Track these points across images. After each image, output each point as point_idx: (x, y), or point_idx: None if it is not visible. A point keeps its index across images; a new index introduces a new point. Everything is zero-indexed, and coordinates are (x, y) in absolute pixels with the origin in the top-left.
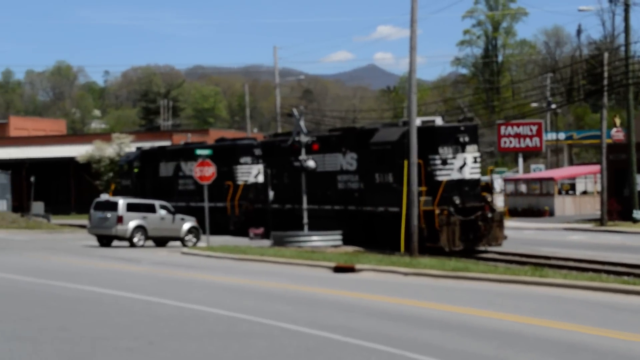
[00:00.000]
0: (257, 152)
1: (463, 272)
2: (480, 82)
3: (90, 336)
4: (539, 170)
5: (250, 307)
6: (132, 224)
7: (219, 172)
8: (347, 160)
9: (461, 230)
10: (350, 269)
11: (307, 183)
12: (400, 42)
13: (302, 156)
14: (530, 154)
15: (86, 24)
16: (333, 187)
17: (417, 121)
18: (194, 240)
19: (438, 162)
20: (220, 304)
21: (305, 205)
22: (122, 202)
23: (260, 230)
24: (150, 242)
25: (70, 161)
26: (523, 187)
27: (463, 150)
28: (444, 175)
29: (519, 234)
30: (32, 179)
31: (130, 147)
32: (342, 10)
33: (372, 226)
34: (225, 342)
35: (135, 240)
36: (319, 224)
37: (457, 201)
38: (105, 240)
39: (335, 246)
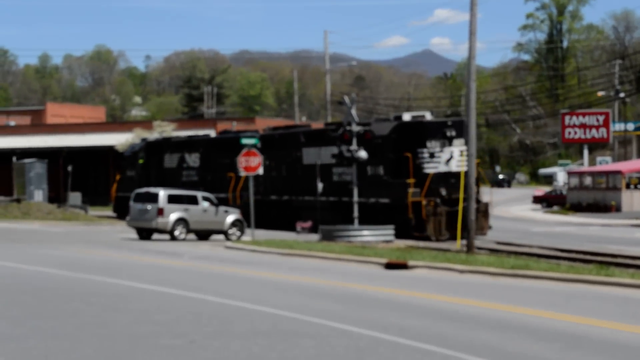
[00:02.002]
0: (259, 145)
1: (523, 270)
2: (543, 69)
3: (130, 333)
4: (605, 163)
5: (297, 304)
6: (173, 217)
7: (221, 164)
8: None
9: (447, 220)
10: (403, 266)
11: (303, 176)
12: (459, 26)
13: (353, 146)
14: (596, 146)
15: (127, 6)
16: (328, 180)
17: (407, 116)
18: (238, 233)
19: (426, 155)
20: (265, 301)
21: (356, 198)
22: (163, 193)
23: (308, 224)
24: (192, 236)
25: (109, 150)
26: (588, 181)
27: (450, 144)
28: (432, 167)
29: (584, 230)
30: (70, 168)
31: (172, 135)
32: None
33: (365, 217)
34: (270, 341)
35: (176, 233)
36: (314, 215)
37: (444, 193)
38: (145, 233)
39: (387, 241)
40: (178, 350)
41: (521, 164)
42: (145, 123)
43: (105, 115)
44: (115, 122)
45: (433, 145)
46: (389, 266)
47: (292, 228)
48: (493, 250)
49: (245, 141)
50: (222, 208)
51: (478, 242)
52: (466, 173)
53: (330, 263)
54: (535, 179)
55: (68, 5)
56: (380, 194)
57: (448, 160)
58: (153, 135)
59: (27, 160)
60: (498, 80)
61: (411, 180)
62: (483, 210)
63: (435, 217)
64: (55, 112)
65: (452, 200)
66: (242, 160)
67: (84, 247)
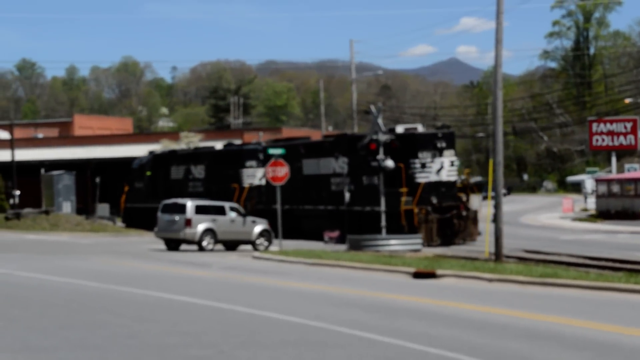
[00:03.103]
0: (261, 156)
1: (552, 279)
2: (570, 77)
3: (158, 344)
4: (633, 170)
5: (325, 314)
6: (201, 227)
7: (226, 175)
8: (339, 164)
9: (438, 227)
10: (431, 275)
11: (303, 186)
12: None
13: (380, 155)
14: (625, 153)
15: (153, 18)
16: (327, 189)
17: (400, 129)
18: (266, 243)
19: (418, 165)
20: (293, 311)
21: (383, 207)
22: (190, 204)
23: (336, 233)
24: (219, 246)
25: None
26: (616, 188)
27: (440, 155)
28: (423, 177)
29: (612, 237)
30: (97, 179)
31: (199, 146)
32: (423, 2)
33: (361, 225)
34: (299, 351)
35: (204, 244)
36: (313, 223)
37: (435, 201)
38: (173, 244)
39: (415, 250)
40: None
41: (549, 172)
42: (172, 134)
43: (133, 126)
44: (142, 134)
45: (424, 156)
46: (417, 275)
47: (293, 235)
48: (521, 259)
49: (272, 151)
50: (249, 218)
51: (505, 250)
52: (493, 181)
53: (358, 273)
54: (563, 186)
55: (95, 18)
56: (376, 203)
57: (439, 170)
58: (180, 146)
59: (55, 172)
60: (525, 88)
61: (404, 190)
62: (472, 218)
63: (426, 224)
64: (82, 124)
65: (443, 208)
66: (269, 171)
67: (112, 258)
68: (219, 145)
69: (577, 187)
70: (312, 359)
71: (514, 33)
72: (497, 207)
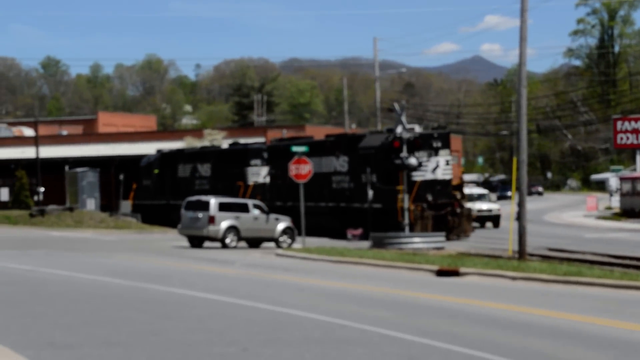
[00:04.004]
0: (266, 155)
1: (576, 277)
2: (595, 75)
3: (182, 341)
4: None
5: (349, 312)
6: (224, 224)
7: (231, 173)
8: (340, 163)
9: (433, 224)
10: (455, 273)
11: (305, 185)
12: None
13: (404, 154)
14: None
15: (178, 15)
16: (328, 187)
17: (398, 129)
18: (289, 241)
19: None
20: (316, 308)
21: (406, 205)
22: (214, 201)
23: (359, 231)
24: (243, 243)
25: None
26: None
27: (436, 154)
28: (419, 176)
29: (637, 236)
30: (121, 177)
31: (223, 143)
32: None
33: (360, 220)
34: (323, 349)
35: (227, 241)
36: (314, 220)
37: (430, 198)
38: (196, 241)
39: (438, 248)
40: (230, 358)
41: (573, 170)
42: (196, 132)
43: (156, 124)
44: (166, 131)
45: (421, 155)
46: (441, 273)
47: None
48: (545, 257)
49: (295, 149)
50: (272, 216)
51: (529, 248)
52: (518, 180)
53: (381, 270)
54: (587, 185)
55: (119, 16)
56: (374, 200)
57: (434, 169)
58: (204, 144)
59: (79, 169)
60: (549, 86)
61: (400, 187)
62: (466, 215)
63: (422, 220)
64: (106, 121)
65: (438, 205)
66: (292, 168)
67: (136, 255)
68: (241, 142)
69: (601, 186)
70: (336, 356)
71: (538, 31)
72: (520, 205)
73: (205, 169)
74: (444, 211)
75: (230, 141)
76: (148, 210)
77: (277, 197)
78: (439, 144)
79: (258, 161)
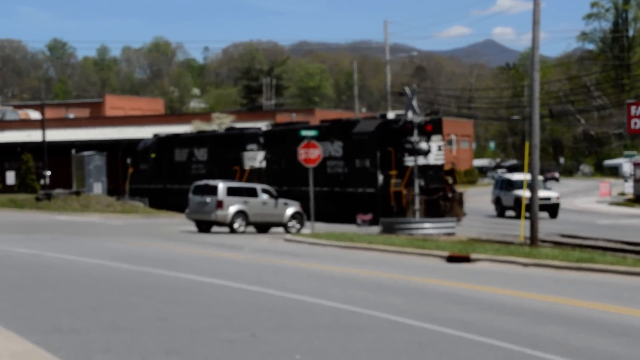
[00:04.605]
0: (262, 140)
1: (588, 264)
2: (608, 59)
3: (190, 327)
4: None
5: (358, 298)
6: (232, 209)
7: (228, 158)
8: (335, 148)
9: (425, 208)
10: (465, 259)
11: (301, 168)
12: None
13: (414, 138)
14: None
15: None
16: (323, 172)
17: (391, 115)
18: (298, 226)
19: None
20: (325, 294)
21: (417, 190)
22: (222, 185)
23: (368, 216)
24: (251, 228)
25: None
26: None
27: (429, 140)
28: (412, 161)
29: None
30: (129, 160)
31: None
32: None
33: (353, 205)
34: (331, 335)
35: (235, 226)
36: (319, 204)
37: (422, 183)
38: (204, 226)
39: (449, 234)
40: (238, 344)
41: (586, 156)
42: (204, 115)
43: (164, 107)
44: (173, 114)
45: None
46: (451, 259)
47: None
48: (557, 243)
49: (305, 133)
50: (281, 200)
51: (540, 235)
52: (530, 165)
53: (391, 256)
54: (600, 170)
55: None
56: (367, 184)
57: (426, 154)
58: (212, 127)
59: (86, 153)
60: (562, 70)
61: (393, 172)
62: (458, 199)
63: (414, 204)
64: (114, 105)
65: (430, 190)
66: (301, 152)
67: (143, 239)
68: (249, 125)
69: (614, 171)
70: (345, 342)
71: (551, 14)
72: (532, 190)
73: (201, 154)
74: (436, 196)
75: (239, 125)
76: (145, 194)
77: (274, 182)
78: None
79: (254, 146)
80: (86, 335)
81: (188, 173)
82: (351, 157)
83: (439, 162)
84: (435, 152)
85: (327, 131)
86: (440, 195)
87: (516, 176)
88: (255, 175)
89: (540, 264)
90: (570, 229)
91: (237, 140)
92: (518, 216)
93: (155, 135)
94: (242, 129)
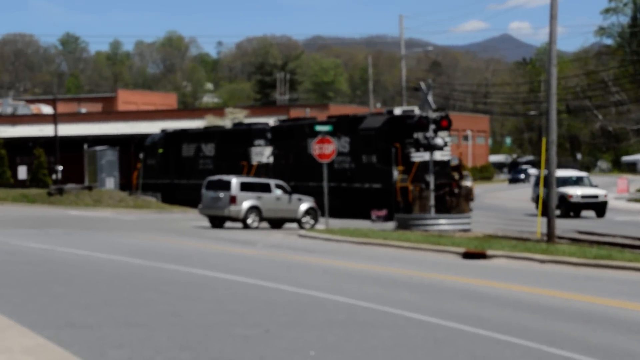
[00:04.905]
0: (269, 135)
1: (606, 260)
2: (626, 54)
3: (204, 323)
4: None
5: (373, 294)
6: (246, 205)
7: (235, 153)
8: (342, 144)
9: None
10: (481, 255)
11: (308, 164)
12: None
13: (429, 133)
14: None
15: None
16: (330, 167)
17: (398, 110)
18: (312, 222)
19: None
20: (340, 290)
21: (432, 186)
22: (235, 181)
23: (383, 212)
24: (264, 224)
25: None
26: None
27: (435, 136)
28: (418, 157)
29: None
30: (141, 155)
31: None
32: None
33: (360, 200)
34: (346, 331)
35: (249, 221)
36: (317, 200)
37: (428, 179)
38: (217, 221)
39: (464, 230)
40: (253, 340)
41: (603, 152)
42: (218, 110)
43: (177, 102)
44: (186, 109)
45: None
46: (467, 255)
47: None
48: (574, 240)
49: (319, 128)
50: (295, 196)
51: (558, 231)
52: (547, 161)
53: (406, 252)
54: (618, 166)
55: None
56: (374, 180)
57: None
58: (225, 122)
59: (98, 148)
60: (579, 65)
61: (400, 168)
62: (464, 195)
63: (420, 200)
64: (126, 99)
65: (436, 186)
66: (315, 148)
67: (156, 235)
68: (262, 120)
69: (632, 167)
70: (360, 339)
71: (568, 8)
72: (549, 187)
73: (209, 149)
74: (442, 191)
75: (253, 120)
76: (152, 189)
77: (281, 177)
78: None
79: (262, 141)
80: (99, 331)
81: (195, 168)
82: (358, 152)
83: (445, 158)
84: None
85: (335, 127)
86: (447, 191)
87: (559, 172)
88: (263, 170)
89: (558, 260)
90: (588, 225)
91: (244, 136)
92: (562, 215)
93: (163, 131)
94: (249, 125)
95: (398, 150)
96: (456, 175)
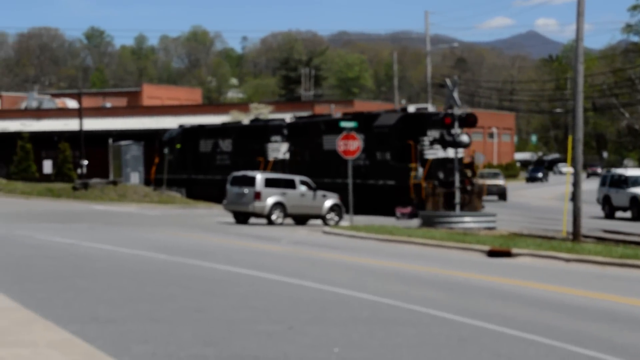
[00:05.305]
0: (286, 131)
1: (632, 260)
2: None
3: (227, 319)
4: None
5: (397, 292)
6: (270, 201)
7: (252, 149)
8: None
9: (445, 200)
10: (506, 254)
11: (323, 160)
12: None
13: (455, 130)
14: None
15: None
16: (344, 164)
17: (412, 108)
18: (336, 218)
19: (427, 143)
20: (364, 287)
21: (457, 184)
22: (260, 177)
23: (408, 209)
24: (289, 220)
25: None
26: None
27: (448, 133)
28: (431, 154)
29: None
30: (166, 150)
31: (269, 118)
32: None
33: (374, 197)
34: (370, 328)
35: (273, 217)
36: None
37: (441, 176)
38: (241, 217)
39: (489, 228)
40: (276, 336)
41: (629, 150)
42: (242, 105)
43: (202, 97)
44: (211, 104)
45: (433, 134)
46: (492, 254)
47: None
48: (600, 239)
49: (344, 124)
50: (320, 192)
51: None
52: (573, 159)
53: (430, 250)
54: None
55: None
56: (387, 177)
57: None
58: (250, 118)
59: (123, 143)
60: (606, 62)
61: (413, 165)
62: (477, 192)
63: (434, 197)
64: (151, 94)
65: (449, 183)
66: (340, 144)
67: (181, 230)
68: (287, 116)
69: None
70: (384, 337)
71: (595, 5)
72: (575, 185)
73: (226, 145)
74: (455, 188)
75: (277, 116)
76: (170, 184)
77: (297, 173)
78: None
79: (278, 137)
80: (123, 326)
81: (212, 164)
82: (372, 149)
83: (458, 156)
84: None
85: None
86: (460, 188)
87: (630, 172)
88: (279, 166)
89: (583, 259)
90: (614, 224)
91: (261, 132)
92: (634, 218)
93: (181, 126)
94: (266, 121)
95: (412, 148)
96: (469, 173)
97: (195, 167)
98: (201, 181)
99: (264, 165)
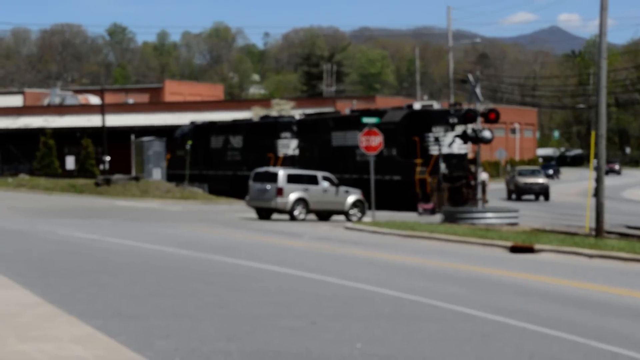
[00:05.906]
0: (295, 128)
1: None
2: None
3: (250, 314)
4: None
5: (420, 287)
6: (292, 197)
7: (262, 145)
8: None
9: (449, 195)
10: (529, 249)
11: (332, 156)
12: (588, 1)
13: (477, 126)
14: None
15: None
16: (352, 160)
17: (417, 105)
18: (359, 214)
19: (432, 139)
20: (386, 283)
21: (480, 178)
22: (282, 173)
23: (430, 205)
24: (311, 216)
25: None
26: None
27: (453, 130)
28: (436, 150)
29: None
30: (188, 146)
31: (291, 114)
32: None
33: (381, 192)
34: (393, 324)
35: (296, 213)
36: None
37: (446, 171)
38: (264, 213)
39: (512, 224)
40: (299, 332)
41: None
42: (264, 101)
43: (224, 93)
44: (233, 101)
45: (438, 130)
46: (515, 250)
47: None
48: (623, 235)
49: (366, 120)
50: (342, 188)
51: (606, 226)
52: (596, 155)
53: (453, 246)
54: None
55: None
56: (393, 172)
57: (450, 144)
58: (272, 114)
59: (145, 139)
60: (629, 58)
61: (419, 161)
62: (482, 187)
63: (438, 192)
64: (173, 90)
65: (454, 178)
66: (362, 140)
67: (203, 226)
68: (309, 112)
69: None
70: (407, 332)
71: (618, 0)
72: (598, 181)
73: (237, 141)
74: (459, 183)
75: (299, 112)
76: (181, 179)
77: (306, 169)
78: (455, 120)
79: (288, 134)
80: (146, 321)
81: (223, 159)
82: None
83: (463, 151)
84: (458, 142)
85: (357, 120)
86: (464, 183)
87: None
88: (289, 162)
89: (606, 255)
90: (637, 220)
91: (271, 129)
92: None
93: (192, 123)
94: (276, 118)
95: (417, 144)
96: (473, 168)
97: (207, 163)
98: (212, 177)
99: (274, 161)
